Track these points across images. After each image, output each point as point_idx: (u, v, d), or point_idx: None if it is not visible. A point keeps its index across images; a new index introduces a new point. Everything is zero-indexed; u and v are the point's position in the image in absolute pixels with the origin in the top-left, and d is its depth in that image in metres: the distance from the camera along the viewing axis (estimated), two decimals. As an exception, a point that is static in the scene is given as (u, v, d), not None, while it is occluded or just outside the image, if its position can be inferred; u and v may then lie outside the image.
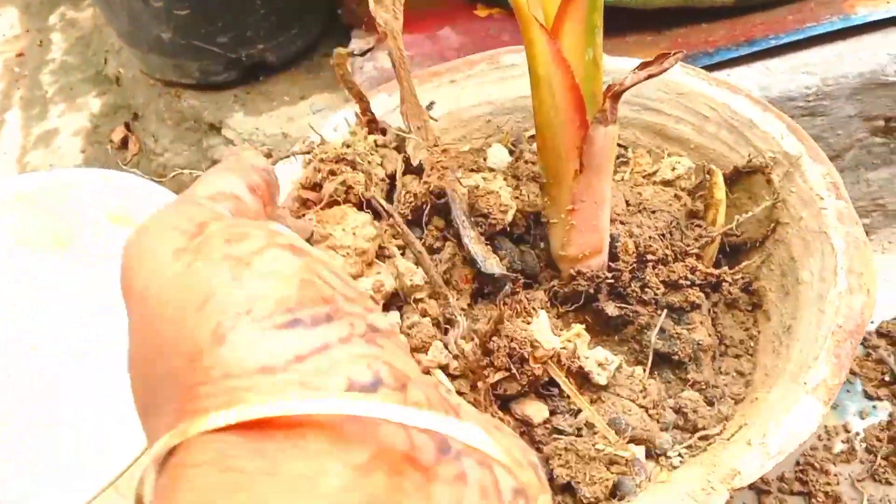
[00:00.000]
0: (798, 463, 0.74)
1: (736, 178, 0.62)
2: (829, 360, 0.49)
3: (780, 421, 0.47)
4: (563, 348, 0.49)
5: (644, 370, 0.55)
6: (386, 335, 0.27)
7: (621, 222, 0.59)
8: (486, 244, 0.53)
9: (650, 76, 0.46)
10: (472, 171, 0.60)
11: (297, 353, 0.24)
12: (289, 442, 0.23)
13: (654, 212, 0.60)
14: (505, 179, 0.59)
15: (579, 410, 0.51)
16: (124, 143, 1.12)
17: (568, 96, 0.45)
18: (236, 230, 0.28)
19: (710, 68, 0.77)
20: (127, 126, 1.12)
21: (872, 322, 0.83)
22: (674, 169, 0.64)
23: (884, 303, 0.86)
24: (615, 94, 0.46)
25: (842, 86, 0.76)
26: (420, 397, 0.25)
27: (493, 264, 0.51)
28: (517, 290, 0.52)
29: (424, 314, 0.51)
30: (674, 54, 0.47)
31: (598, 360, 0.50)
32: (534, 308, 0.50)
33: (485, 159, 0.68)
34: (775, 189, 0.59)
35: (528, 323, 0.49)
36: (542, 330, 0.49)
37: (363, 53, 0.83)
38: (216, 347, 0.24)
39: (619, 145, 0.69)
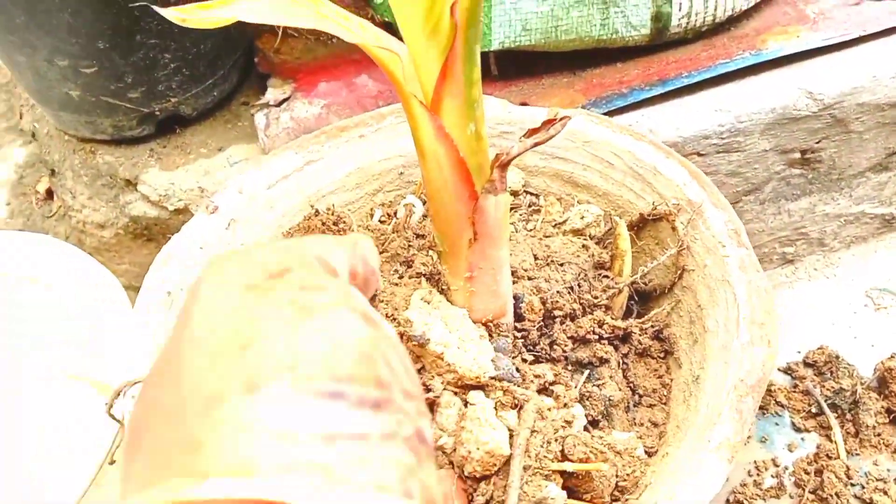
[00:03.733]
0: (728, 501, 0.74)
1: (643, 225, 0.62)
2: (732, 416, 0.49)
3: (686, 483, 0.47)
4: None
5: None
6: (429, 451, 0.24)
7: (529, 278, 0.58)
8: None
9: (536, 144, 0.46)
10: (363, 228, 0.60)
11: (329, 430, 0.21)
12: None
13: (562, 264, 0.59)
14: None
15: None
16: (49, 195, 1.10)
17: (454, 170, 0.44)
18: (315, 280, 0.25)
19: (625, 109, 0.77)
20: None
21: (798, 352, 0.84)
22: (583, 217, 0.64)
23: (810, 332, 0.87)
24: (502, 164, 0.45)
25: (755, 121, 0.77)
26: None
27: None
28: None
29: None
30: (560, 120, 0.46)
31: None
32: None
33: (395, 212, 0.68)
34: (680, 236, 0.59)
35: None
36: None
37: (279, 104, 0.82)
38: (243, 397, 0.22)
39: (530, 193, 0.69)
